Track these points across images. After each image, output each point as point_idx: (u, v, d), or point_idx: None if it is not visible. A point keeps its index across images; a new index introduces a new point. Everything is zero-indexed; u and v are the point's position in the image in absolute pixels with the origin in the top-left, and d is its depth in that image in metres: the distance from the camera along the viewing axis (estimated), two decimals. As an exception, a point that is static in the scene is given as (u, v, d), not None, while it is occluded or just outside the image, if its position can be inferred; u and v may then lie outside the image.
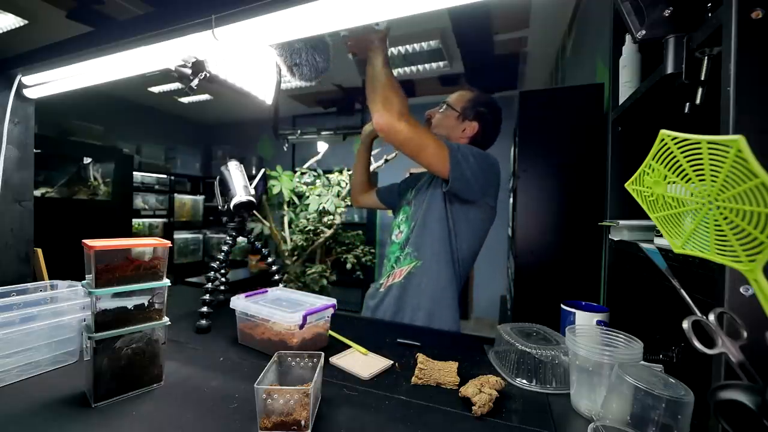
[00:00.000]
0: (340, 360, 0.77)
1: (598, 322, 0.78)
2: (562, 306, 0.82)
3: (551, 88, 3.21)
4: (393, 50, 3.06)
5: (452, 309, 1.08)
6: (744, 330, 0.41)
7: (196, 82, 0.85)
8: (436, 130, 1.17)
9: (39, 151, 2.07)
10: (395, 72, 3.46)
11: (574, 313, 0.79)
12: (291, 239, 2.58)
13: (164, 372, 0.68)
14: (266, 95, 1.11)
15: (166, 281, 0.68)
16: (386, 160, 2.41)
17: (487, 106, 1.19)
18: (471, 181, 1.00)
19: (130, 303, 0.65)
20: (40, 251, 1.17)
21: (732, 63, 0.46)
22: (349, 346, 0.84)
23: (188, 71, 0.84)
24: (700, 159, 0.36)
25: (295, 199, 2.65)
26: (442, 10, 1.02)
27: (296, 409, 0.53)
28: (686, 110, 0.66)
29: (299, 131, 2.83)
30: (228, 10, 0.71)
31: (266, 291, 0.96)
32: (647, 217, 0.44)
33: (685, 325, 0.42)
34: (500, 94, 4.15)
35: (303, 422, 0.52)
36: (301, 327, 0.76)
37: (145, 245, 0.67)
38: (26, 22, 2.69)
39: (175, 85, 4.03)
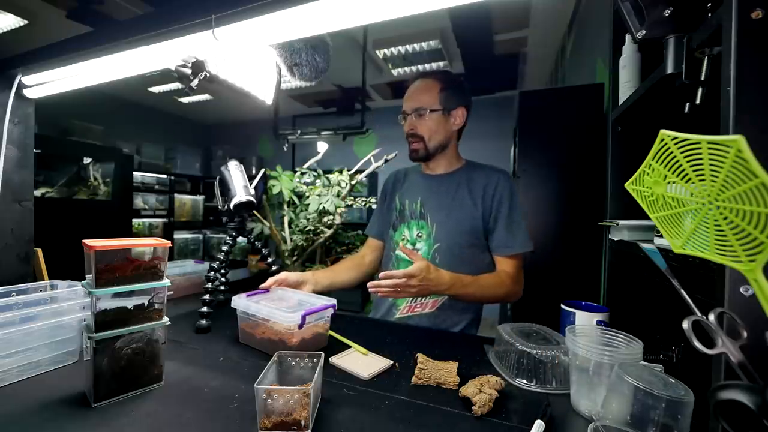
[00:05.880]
0: (340, 360, 0.77)
1: (598, 322, 0.78)
2: (562, 306, 0.82)
3: (551, 88, 3.21)
4: (393, 50, 3.05)
5: (476, 323, 1.12)
6: (744, 330, 0.41)
7: (196, 82, 0.85)
8: (433, 141, 1.08)
9: (39, 151, 2.08)
10: (396, 72, 3.46)
11: (574, 313, 0.79)
12: (291, 239, 2.58)
13: (164, 372, 0.68)
14: (266, 95, 1.11)
15: (166, 281, 0.68)
16: (386, 160, 2.41)
17: (455, 83, 1.08)
18: None
19: (130, 303, 0.65)
20: (40, 251, 1.17)
21: (732, 63, 0.46)
22: (349, 346, 0.84)
23: (188, 71, 0.84)
24: (700, 159, 0.36)
25: (295, 199, 2.65)
26: (442, 10, 1.02)
27: (296, 409, 0.53)
28: (686, 110, 0.66)
29: (299, 131, 2.82)
30: (228, 10, 0.71)
31: (267, 290, 0.96)
32: (647, 217, 0.44)
33: (685, 325, 0.42)
34: (500, 94, 4.15)
35: (303, 422, 0.52)
36: (300, 327, 0.76)
37: (145, 245, 0.67)
38: (26, 22, 2.69)
39: (175, 85, 4.02)
